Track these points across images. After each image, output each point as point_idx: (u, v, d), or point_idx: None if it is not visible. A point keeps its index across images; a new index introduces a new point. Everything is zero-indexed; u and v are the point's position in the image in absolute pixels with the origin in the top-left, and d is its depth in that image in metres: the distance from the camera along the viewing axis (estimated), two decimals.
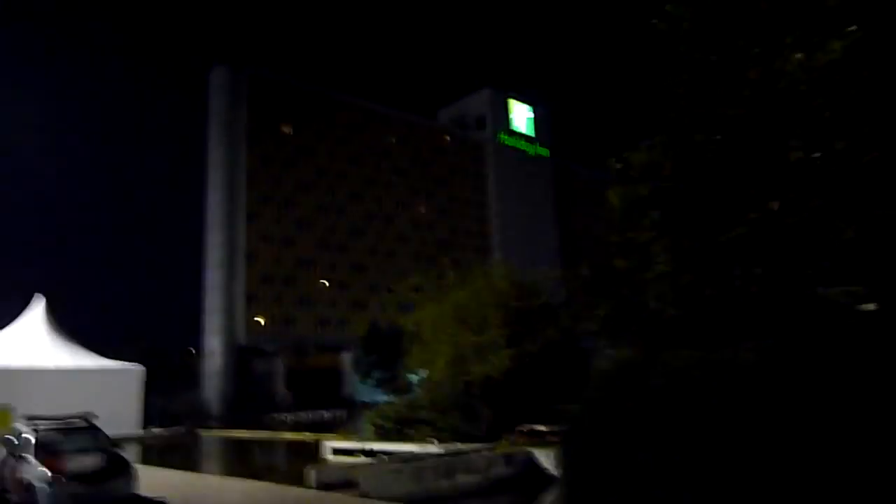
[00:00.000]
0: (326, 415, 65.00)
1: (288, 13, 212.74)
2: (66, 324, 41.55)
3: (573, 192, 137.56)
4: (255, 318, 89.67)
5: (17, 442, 12.01)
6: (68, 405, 34.52)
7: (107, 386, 36.65)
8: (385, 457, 17.38)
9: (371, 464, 13.38)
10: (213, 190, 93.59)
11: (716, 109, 9.41)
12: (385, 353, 67.69)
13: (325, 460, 18.84)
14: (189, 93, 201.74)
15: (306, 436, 31.74)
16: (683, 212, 9.59)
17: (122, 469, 11.34)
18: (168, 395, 61.11)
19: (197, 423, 48.19)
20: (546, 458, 13.89)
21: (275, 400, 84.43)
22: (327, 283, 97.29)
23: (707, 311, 9.73)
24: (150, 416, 41.18)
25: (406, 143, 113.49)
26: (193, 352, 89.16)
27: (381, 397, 73.07)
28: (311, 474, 12.30)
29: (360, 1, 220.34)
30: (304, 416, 64.01)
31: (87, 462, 11.02)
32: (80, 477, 10.69)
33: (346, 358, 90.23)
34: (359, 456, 18.14)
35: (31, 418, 12.23)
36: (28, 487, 10.81)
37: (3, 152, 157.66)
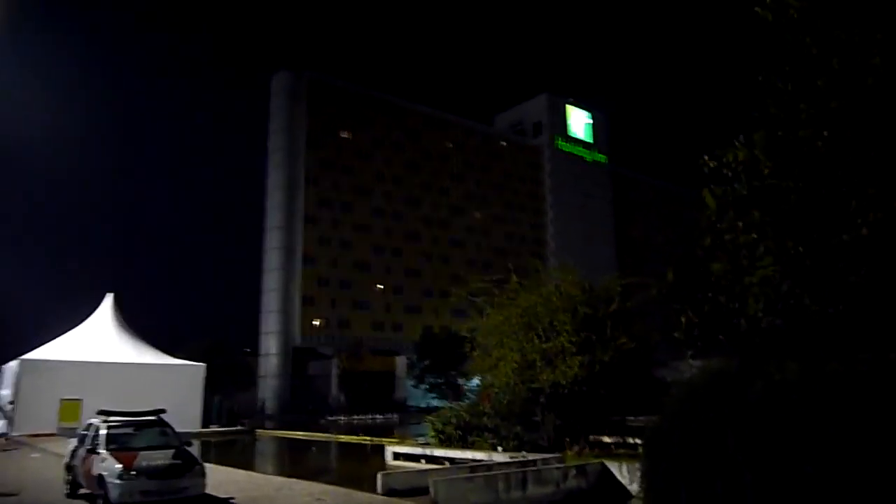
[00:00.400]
0: (379, 418, 65.06)
1: (349, 18, 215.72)
2: (133, 321, 42.58)
3: (631, 199, 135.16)
4: (312, 321, 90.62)
5: (90, 435, 12.14)
6: (132, 399, 35.19)
7: (169, 382, 37.27)
8: (446, 463, 16.95)
9: (442, 471, 12.95)
10: (273, 192, 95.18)
11: (826, 103, 8.71)
12: (439, 359, 67.57)
13: (388, 465, 18.54)
14: (252, 97, 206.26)
15: (363, 439, 31.59)
16: (789, 212, 8.91)
17: (191, 467, 11.19)
18: (227, 393, 62.17)
19: (254, 423, 48.68)
20: (621, 472, 13.22)
21: (328, 401, 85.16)
22: (382, 287, 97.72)
23: (816, 320, 8.99)
24: (210, 413, 41.74)
25: (463, 149, 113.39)
26: (248, 351, 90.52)
27: (434, 402, 73.02)
28: (379, 479, 11.92)
29: (421, 6, 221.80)
30: (358, 419, 64.12)
31: (158, 458, 10.94)
32: (150, 472, 10.58)
33: (400, 362, 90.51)
34: (421, 462, 17.75)
35: (104, 412, 12.28)
36: (99, 480, 10.80)
37: (80, 156, 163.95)
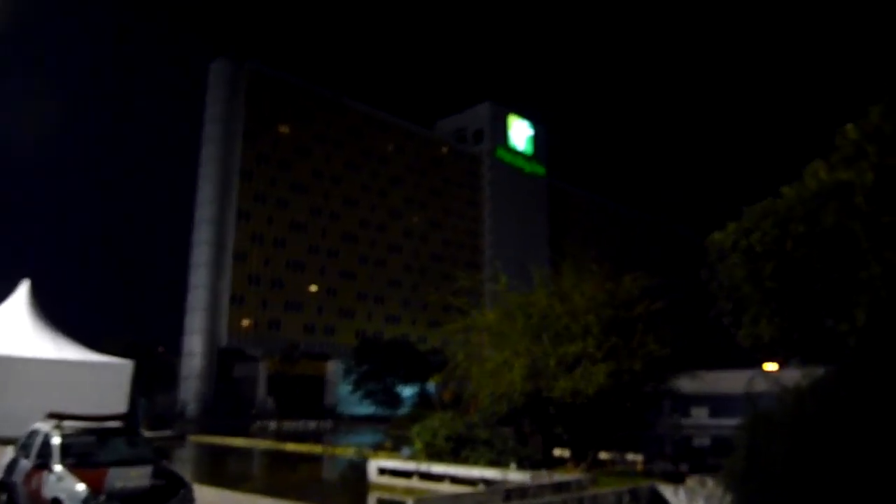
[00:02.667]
0: (312, 424, 62.03)
1: (293, 9, 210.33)
2: (50, 313, 38.49)
3: (567, 212, 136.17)
4: (242, 320, 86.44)
5: (36, 445, 9.51)
6: (50, 399, 31.57)
7: (92, 381, 33.60)
8: (446, 481, 14.93)
9: (475, 496, 10.95)
10: (205, 185, 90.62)
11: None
12: (378, 365, 65.22)
13: (373, 482, 16.34)
14: (187, 85, 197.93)
15: (315, 448, 29.04)
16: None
17: (177, 489, 8.69)
18: (147, 395, 57.89)
19: (182, 428, 45.03)
20: (676, 495, 11.56)
21: (254, 406, 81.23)
22: (316, 289, 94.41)
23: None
24: (136, 417, 38.13)
25: (403, 152, 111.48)
26: (163, 350, 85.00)
27: (371, 409, 70.48)
28: None
29: (368, 4, 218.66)
30: (289, 424, 60.84)
31: (135, 478, 8.50)
32: (126, 497, 8.13)
33: (331, 367, 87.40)
34: (414, 478, 15.67)
35: (55, 416, 9.58)
36: None
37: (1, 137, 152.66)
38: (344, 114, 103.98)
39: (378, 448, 32.38)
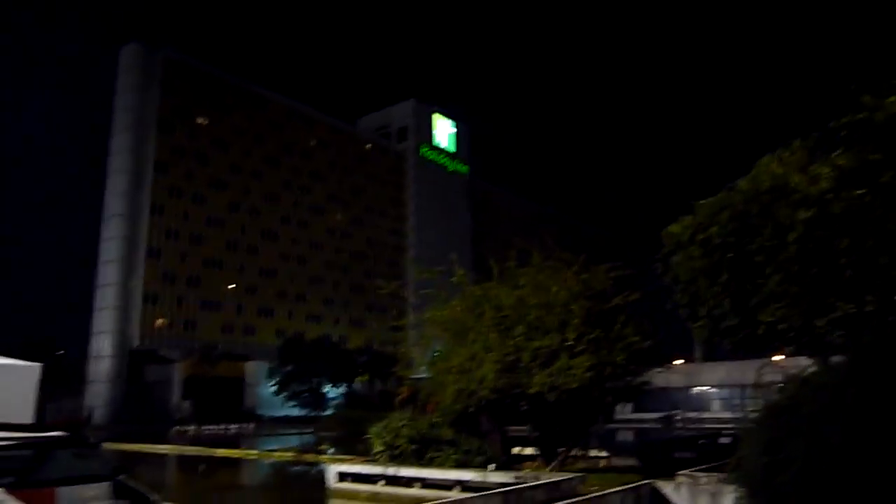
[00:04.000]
0: (233, 428, 59.51)
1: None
2: None
3: (489, 211, 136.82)
4: (155, 320, 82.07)
5: None
6: None
7: None
8: (417, 485, 13.94)
9: (475, 501, 10.01)
10: (116, 177, 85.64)
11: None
12: (303, 365, 63.22)
13: (333, 488, 15.10)
14: (96, 69, 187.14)
15: (249, 453, 27.32)
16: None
17: None
18: (52, 399, 53.91)
19: (94, 434, 41.89)
20: (678, 492, 10.99)
21: (168, 410, 77.33)
22: (234, 287, 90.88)
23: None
24: (44, 424, 35.13)
25: (326, 148, 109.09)
26: (62, 353, 79.70)
27: (293, 411, 68.26)
28: None
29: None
30: (209, 429, 58.10)
31: (89, 498, 7.07)
32: None
33: (251, 368, 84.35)
34: (380, 483, 14.59)
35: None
36: None
37: None
38: (265, 107, 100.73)
39: (314, 450, 30.99)
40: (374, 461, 15.87)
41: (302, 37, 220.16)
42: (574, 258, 15.38)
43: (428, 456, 15.67)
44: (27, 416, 29.72)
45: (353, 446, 36.26)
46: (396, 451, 15.84)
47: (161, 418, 70.00)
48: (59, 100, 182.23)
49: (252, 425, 62.45)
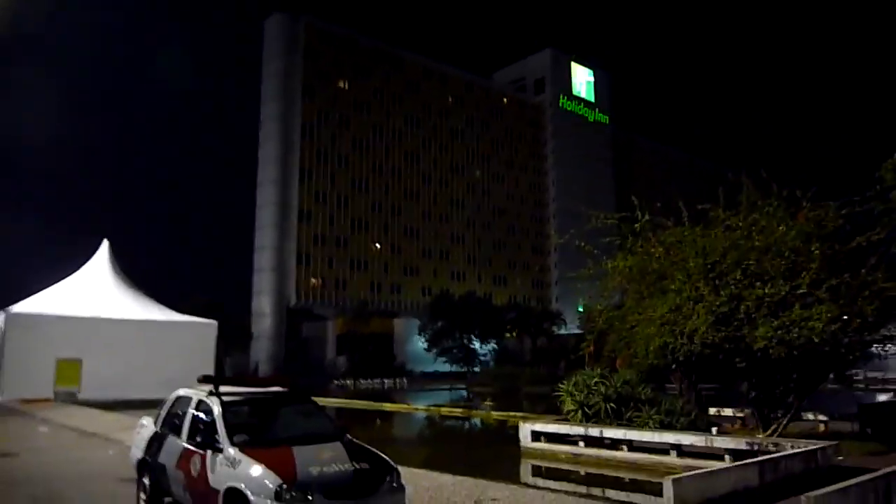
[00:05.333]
0: (388, 382, 61.00)
1: None
2: (129, 273, 37.54)
3: (632, 162, 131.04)
4: (309, 280, 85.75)
5: (188, 416, 7.35)
6: (139, 360, 30.54)
7: (178, 341, 32.63)
8: (623, 448, 12.69)
9: (733, 471, 8.63)
10: (267, 144, 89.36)
11: None
12: (453, 321, 63.49)
13: (526, 447, 14.21)
14: (244, 42, 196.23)
15: (437, 408, 27.10)
16: None
17: (381, 474, 6.43)
18: (225, 355, 57.49)
19: None
20: None
21: (324, 365, 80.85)
22: (380, 247, 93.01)
23: None
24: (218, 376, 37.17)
25: (463, 105, 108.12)
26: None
27: (443, 367, 69.12)
28: (668, 487, 7.53)
29: None
30: (365, 383, 59.87)
31: (327, 460, 6.28)
32: (328, 488, 5.90)
33: (399, 324, 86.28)
34: (580, 444, 13.49)
35: (206, 380, 7.44)
36: (229, 499, 6.12)
37: (69, 100, 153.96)
38: (402, 67, 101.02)
39: (475, 405, 30.61)
40: (566, 420, 14.77)
41: None
42: (797, 194, 13.23)
43: (627, 415, 14.36)
44: (209, 368, 30.95)
45: (511, 401, 35.90)
46: (591, 411, 14.64)
47: (317, 372, 73.26)
48: (214, 70, 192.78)
49: (405, 380, 63.73)
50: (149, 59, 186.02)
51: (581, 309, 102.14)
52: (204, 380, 7.55)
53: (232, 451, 6.32)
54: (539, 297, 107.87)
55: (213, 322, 35.70)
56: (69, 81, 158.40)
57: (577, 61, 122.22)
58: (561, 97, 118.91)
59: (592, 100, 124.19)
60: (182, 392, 7.96)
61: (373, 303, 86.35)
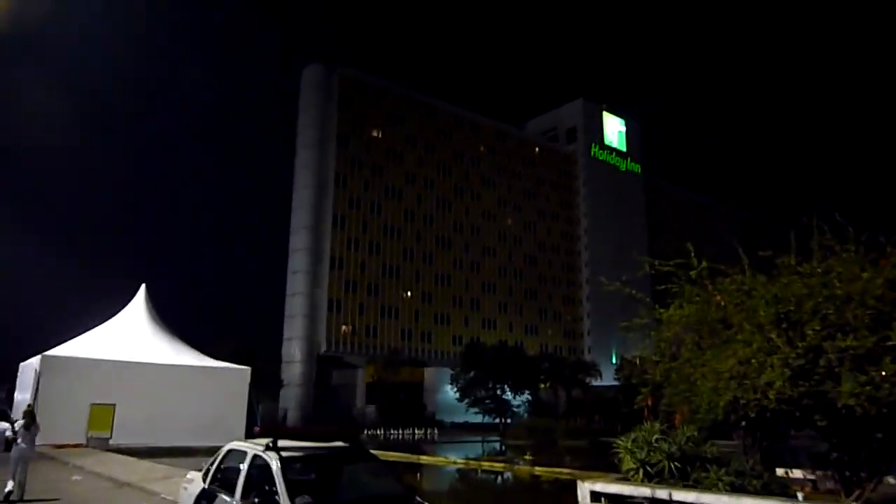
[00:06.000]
0: (417, 433, 59.68)
1: (377, 13, 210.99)
2: (164, 317, 37.37)
3: (663, 210, 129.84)
4: (340, 327, 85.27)
5: (243, 472, 6.56)
6: (172, 406, 30.00)
7: (211, 387, 32.20)
8: None
9: None
10: (301, 191, 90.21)
11: None
12: (486, 371, 62.28)
13: None
14: (283, 93, 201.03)
15: (457, 461, 26.13)
16: None
17: None
18: (258, 403, 56.86)
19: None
20: None
21: (352, 414, 79.71)
22: (410, 294, 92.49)
23: None
24: (254, 425, 36.52)
25: (495, 153, 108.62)
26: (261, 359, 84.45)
27: (475, 417, 67.58)
28: None
29: (452, 4, 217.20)
30: (395, 433, 58.64)
31: None
32: None
33: (429, 374, 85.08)
34: None
35: (260, 434, 6.74)
36: None
37: (108, 146, 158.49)
38: (434, 115, 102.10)
39: (512, 458, 29.42)
40: (626, 480, 13.77)
41: (464, 41, 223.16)
42: (881, 239, 12.39)
43: (693, 476, 13.32)
44: (240, 417, 30.13)
45: (550, 455, 34.59)
46: (653, 469, 13.63)
47: (346, 421, 72.11)
48: (255, 119, 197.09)
49: (435, 431, 62.35)
50: (194, 105, 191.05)
51: (615, 360, 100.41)
52: (257, 434, 6.92)
53: None
54: (571, 346, 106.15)
55: (247, 368, 35.23)
56: (104, 124, 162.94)
57: (608, 111, 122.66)
58: (593, 146, 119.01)
59: (624, 149, 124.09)
60: (235, 445, 7.29)
61: (403, 351, 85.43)
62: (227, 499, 6.63)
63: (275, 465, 6.23)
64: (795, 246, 13.67)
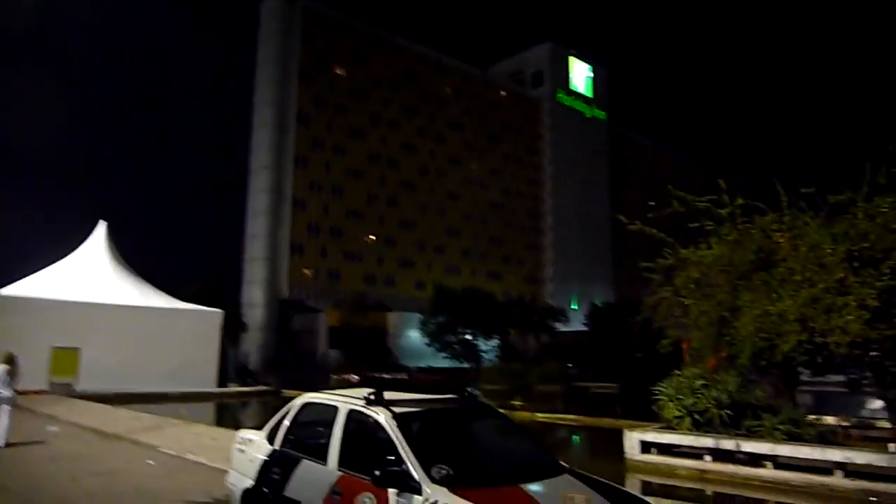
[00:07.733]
0: (387, 377, 58.83)
1: None
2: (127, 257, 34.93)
3: (627, 159, 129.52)
4: (303, 270, 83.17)
5: (336, 437, 4.99)
6: (140, 351, 28.10)
7: (181, 331, 30.29)
8: (768, 465, 10.75)
9: None
10: (260, 130, 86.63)
11: None
12: (457, 317, 61.41)
13: (634, 460, 12.16)
14: (239, 25, 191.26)
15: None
16: None
17: None
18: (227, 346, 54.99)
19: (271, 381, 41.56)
20: None
21: (314, 357, 78.49)
22: (374, 238, 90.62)
23: None
24: (226, 370, 34.89)
25: (461, 95, 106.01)
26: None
27: (441, 363, 66.98)
28: None
29: None
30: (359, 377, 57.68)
31: None
32: None
33: (393, 318, 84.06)
34: (705, 459, 11.50)
35: (370, 379, 5.29)
36: None
37: (61, 80, 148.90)
38: (400, 55, 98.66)
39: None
40: (672, 429, 12.78)
41: None
42: None
43: (746, 424, 12.40)
44: (211, 362, 28.12)
45: (528, 401, 33.86)
46: (702, 418, 12.67)
47: (309, 365, 70.88)
48: (208, 51, 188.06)
49: (405, 376, 61.66)
50: (144, 37, 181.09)
51: (576, 306, 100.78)
52: (372, 378, 5.39)
53: (434, 491, 4.19)
54: (533, 293, 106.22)
55: (219, 311, 33.41)
56: (64, 65, 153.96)
57: (576, 56, 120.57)
58: (559, 92, 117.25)
59: (591, 95, 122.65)
60: (313, 398, 5.71)
61: (367, 295, 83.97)
62: (316, 465, 5.11)
63: (390, 424, 4.71)
64: (868, 180, 12.59)
